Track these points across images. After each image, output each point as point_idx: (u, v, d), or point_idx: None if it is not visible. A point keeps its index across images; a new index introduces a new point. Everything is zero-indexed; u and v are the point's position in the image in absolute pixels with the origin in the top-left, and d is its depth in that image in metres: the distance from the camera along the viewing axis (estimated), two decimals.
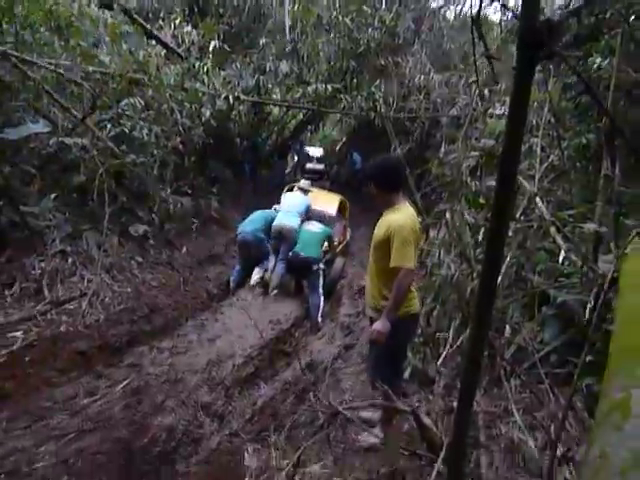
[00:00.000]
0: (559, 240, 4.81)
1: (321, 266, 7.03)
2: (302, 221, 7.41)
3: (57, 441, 3.24)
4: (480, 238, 4.80)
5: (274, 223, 7.29)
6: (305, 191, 8.08)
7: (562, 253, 4.41)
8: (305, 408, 3.99)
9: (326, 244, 7.61)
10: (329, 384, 4.55)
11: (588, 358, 3.21)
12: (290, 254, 7.08)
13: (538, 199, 5.58)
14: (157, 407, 3.69)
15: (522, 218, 5.33)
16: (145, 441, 3.25)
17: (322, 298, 6.84)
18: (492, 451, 3.22)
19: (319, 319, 6.62)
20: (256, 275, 7.27)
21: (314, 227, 7.42)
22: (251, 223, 7.38)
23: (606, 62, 5.15)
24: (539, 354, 3.96)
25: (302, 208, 7.56)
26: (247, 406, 4.02)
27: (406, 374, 4.48)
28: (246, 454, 3.23)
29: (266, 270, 7.33)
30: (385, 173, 3.34)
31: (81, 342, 4.71)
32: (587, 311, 3.71)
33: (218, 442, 3.44)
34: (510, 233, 5.11)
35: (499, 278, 4.70)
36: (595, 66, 5.21)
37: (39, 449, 3.13)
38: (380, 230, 3.26)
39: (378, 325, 3.19)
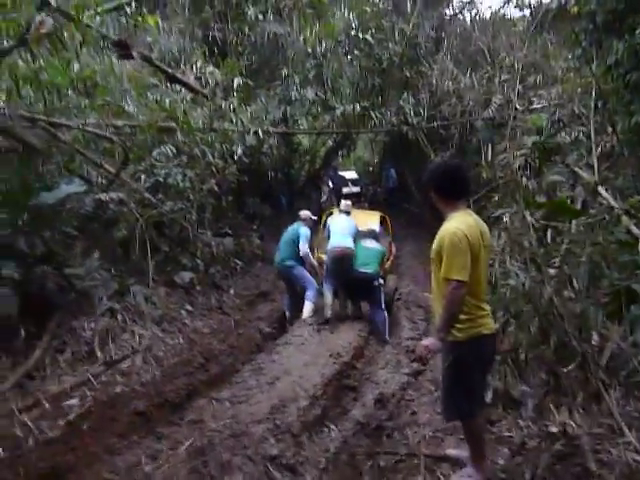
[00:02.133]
0: (634, 229, 4.38)
1: (381, 281, 6.99)
2: (354, 241, 7.19)
3: None
4: (548, 239, 4.39)
5: (331, 247, 7.12)
6: (347, 213, 7.87)
7: None
8: (383, 451, 3.63)
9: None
10: (404, 419, 4.18)
11: None
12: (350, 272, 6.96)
13: (600, 188, 5.17)
14: (224, 467, 3.41)
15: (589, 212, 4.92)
16: None
17: (386, 313, 6.82)
18: None
19: (387, 335, 6.68)
20: (307, 308, 7.07)
21: (371, 244, 7.37)
22: (279, 252, 7.43)
23: None
24: (638, 358, 3.52)
25: (352, 229, 7.34)
26: (319, 454, 3.69)
27: (488, 398, 4.09)
28: None
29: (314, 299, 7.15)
30: (444, 177, 3.06)
31: (138, 402, 4.50)
32: None
33: None
34: (574, 229, 4.71)
35: (574, 280, 4.30)
36: None
37: None
38: (436, 241, 2.97)
39: (426, 341, 2.94)
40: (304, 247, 7.18)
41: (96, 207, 6.55)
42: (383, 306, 6.83)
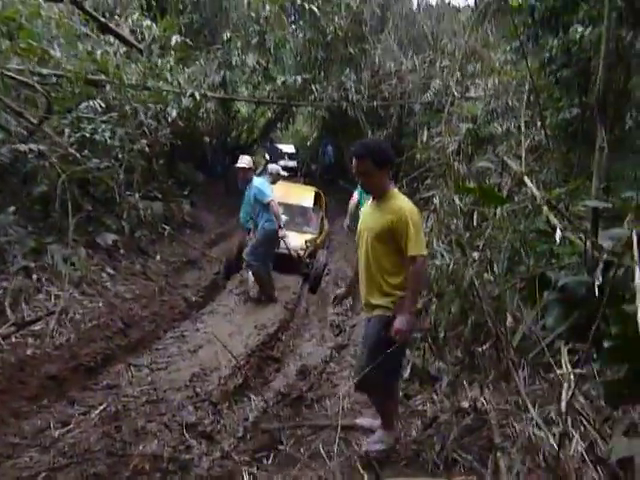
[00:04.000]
0: (553, 219, 4.59)
1: None
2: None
3: None
4: (474, 224, 4.53)
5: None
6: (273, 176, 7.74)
7: (558, 233, 4.17)
8: (302, 421, 3.68)
9: (307, 237, 7.42)
10: (324, 390, 4.25)
11: (608, 344, 2.99)
12: None
13: (526, 178, 5.37)
14: (138, 433, 3.33)
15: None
16: (127, 475, 2.89)
17: None
18: (510, 453, 2.96)
19: None
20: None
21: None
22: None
23: (588, 30, 4.94)
24: (545, 341, 3.73)
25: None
26: (238, 422, 3.67)
27: (406, 374, 4.22)
28: None
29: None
30: (382, 148, 3.08)
31: (51, 365, 4.29)
32: (593, 291, 3.44)
33: (208, 467, 3.09)
34: (498, 216, 4.88)
35: (494, 265, 4.48)
36: (577, 36, 4.99)
37: None
38: (384, 219, 2.96)
39: (401, 324, 2.89)
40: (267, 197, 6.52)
41: (14, 159, 6.13)
42: None
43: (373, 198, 3.15)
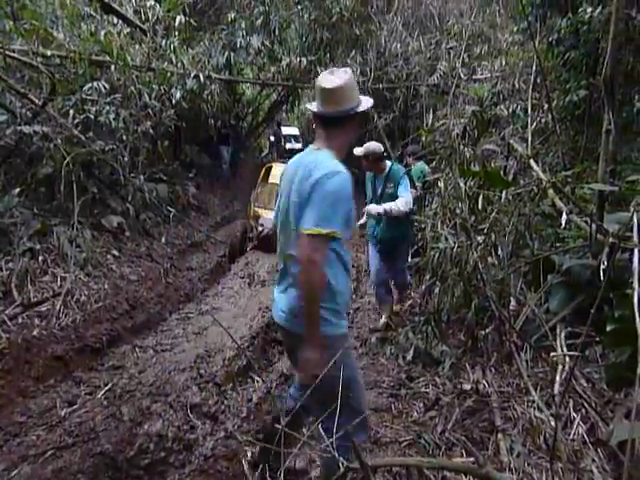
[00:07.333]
0: (559, 203, 4.56)
1: None
2: None
3: (33, 461, 2.91)
4: (479, 207, 4.50)
5: None
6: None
7: (563, 216, 4.15)
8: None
9: None
10: None
11: (611, 327, 2.98)
12: None
13: (532, 161, 5.33)
14: (143, 413, 3.37)
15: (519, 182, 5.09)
16: (131, 454, 2.93)
17: None
18: (510, 435, 2.98)
19: None
20: None
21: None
22: None
23: (597, 11, 4.85)
24: (548, 324, 3.73)
25: None
26: (241, 403, 3.71)
27: (409, 356, 4.24)
28: (244, 460, 2.93)
29: None
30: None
31: (57, 346, 4.36)
32: (598, 274, 3.42)
33: (212, 447, 3.13)
34: (504, 199, 4.85)
35: (499, 248, 4.47)
36: (586, 16, 4.91)
37: (12, 472, 2.80)
38: None
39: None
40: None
41: (19, 140, 6.13)
42: None
43: None
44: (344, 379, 1.97)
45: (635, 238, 2.65)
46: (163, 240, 7.85)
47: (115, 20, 7.87)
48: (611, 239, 3.27)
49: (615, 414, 2.83)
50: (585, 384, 3.17)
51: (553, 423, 2.83)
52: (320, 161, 2.17)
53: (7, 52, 5.98)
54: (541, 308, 4.00)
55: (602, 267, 3.24)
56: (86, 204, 6.60)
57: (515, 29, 7.41)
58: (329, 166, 2.14)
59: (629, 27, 4.85)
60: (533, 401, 3.13)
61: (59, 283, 5.32)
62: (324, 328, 2.14)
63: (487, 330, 3.98)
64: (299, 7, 10.76)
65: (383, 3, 11.81)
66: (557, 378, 2.99)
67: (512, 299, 4.15)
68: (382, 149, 4.66)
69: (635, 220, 2.80)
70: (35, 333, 4.46)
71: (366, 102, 2.34)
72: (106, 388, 3.80)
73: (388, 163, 4.72)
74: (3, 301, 4.76)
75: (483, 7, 9.77)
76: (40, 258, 5.50)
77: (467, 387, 3.48)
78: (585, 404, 2.96)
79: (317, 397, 2.02)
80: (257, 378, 4.17)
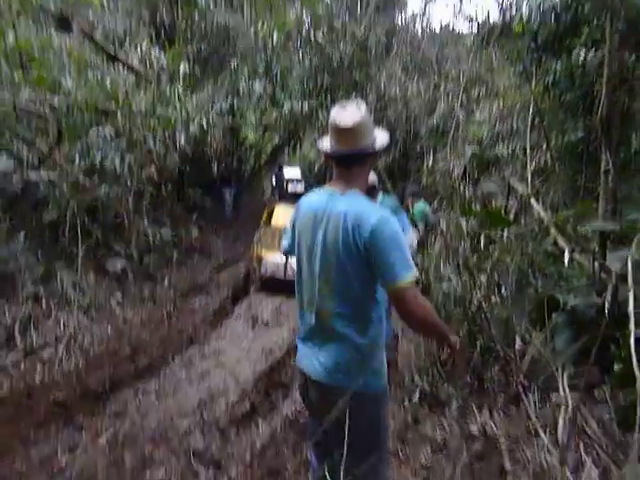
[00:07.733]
0: (561, 241, 4.58)
1: None
2: None
3: None
4: (481, 247, 4.53)
5: None
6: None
7: (566, 254, 4.16)
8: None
9: None
10: None
11: (618, 366, 2.95)
12: None
13: (533, 200, 5.38)
14: (145, 460, 3.31)
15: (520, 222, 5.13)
16: None
17: None
18: (520, 479, 2.91)
19: None
20: None
21: None
22: None
23: (591, 54, 4.99)
24: (555, 365, 3.69)
25: None
26: (246, 449, 3.64)
27: (415, 398, 4.17)
28: None
29: None
30: None
31: (59, 392, 4.31)
32: (603, 313, 3.42)
33: None
34: (505, 238, 4.88)
35: (502, 287, 4.46)
36: (580, 59, 5.04)
37: None
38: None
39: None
40: None
41: (25, 187, 6.22)
42: None
43: None
44: (382, 426, 2.09)
45: (629, 280, 2.65)
46: (166, 283, 7.84)
47: (121, 68, 8.11)
48: (614, 278, 3.28)
49: (627, 457, 2.76)
50: (595, 426, 3.11)
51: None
52: (364, 207, 2.04)
53: (16, 104, 6.13)
54: (547, 347, 3.96)
55: (607, 306, 3.24)
56: (90, 248, 6.65)
57: (512, 72, 7.61)
58: (375, 209, 2.03)
59: (622, 69, 4.97)
60: (543, 444, 3.07)
61: (62, 328, 5.31)
62: (375, 382, 2.09)
63: (493, 371, 3.94)
64: (300, 53, 11.07)
65: (382, 49, 12.16)
66: (560, 421, 2.94)
67: (517, 338, 4.11)
68: (376, 180, 4.66)
69: (629, 261, 2.80)
70: (37, 379, 4.42)
71: (384, 136, 2.26)
72: (108, 434, 3.74)
73: (380, 196, 4.71)
74: (6, 347, 4.74)
75: (480, 51, 10.02)
76: (43, 303, 5.50)
77: (474, 429, 3.41)
78: (596, 446, 2.90)
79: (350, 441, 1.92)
80: (261, 422, 4.10)
